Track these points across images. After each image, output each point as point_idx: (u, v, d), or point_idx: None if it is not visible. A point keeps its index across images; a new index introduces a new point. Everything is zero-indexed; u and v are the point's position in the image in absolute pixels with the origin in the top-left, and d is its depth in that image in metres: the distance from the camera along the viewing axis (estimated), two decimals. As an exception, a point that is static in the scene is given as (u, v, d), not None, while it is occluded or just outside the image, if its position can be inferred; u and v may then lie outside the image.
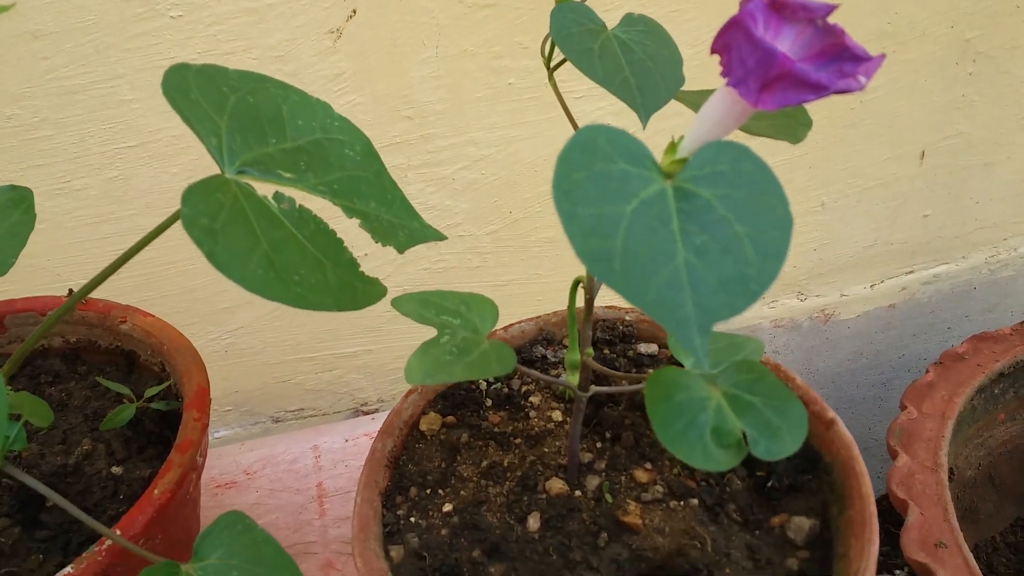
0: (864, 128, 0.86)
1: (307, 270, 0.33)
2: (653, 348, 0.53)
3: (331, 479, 0.67)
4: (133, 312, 0.55)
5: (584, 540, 0.43)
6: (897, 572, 1.01)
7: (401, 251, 0.39)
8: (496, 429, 0.49)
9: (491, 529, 0.44)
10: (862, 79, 0.31)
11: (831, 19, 0.31)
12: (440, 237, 0.42)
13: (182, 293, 0.76)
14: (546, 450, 0.48)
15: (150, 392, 0.51)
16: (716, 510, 0.43)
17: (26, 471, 0.46)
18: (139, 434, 0.51)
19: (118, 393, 0.53)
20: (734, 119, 0.33)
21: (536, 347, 0.55)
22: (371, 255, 0.78)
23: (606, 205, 0.27)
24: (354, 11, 0.66)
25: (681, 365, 0.42)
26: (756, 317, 0.96)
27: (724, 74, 0.32)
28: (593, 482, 0.46)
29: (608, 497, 0.45)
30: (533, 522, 0.44)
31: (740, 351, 0.42)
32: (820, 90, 0.30)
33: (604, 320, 0.55)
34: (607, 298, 0.57)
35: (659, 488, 0.45)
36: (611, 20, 0.41)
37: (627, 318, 0.54)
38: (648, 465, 0.46)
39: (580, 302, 0.44)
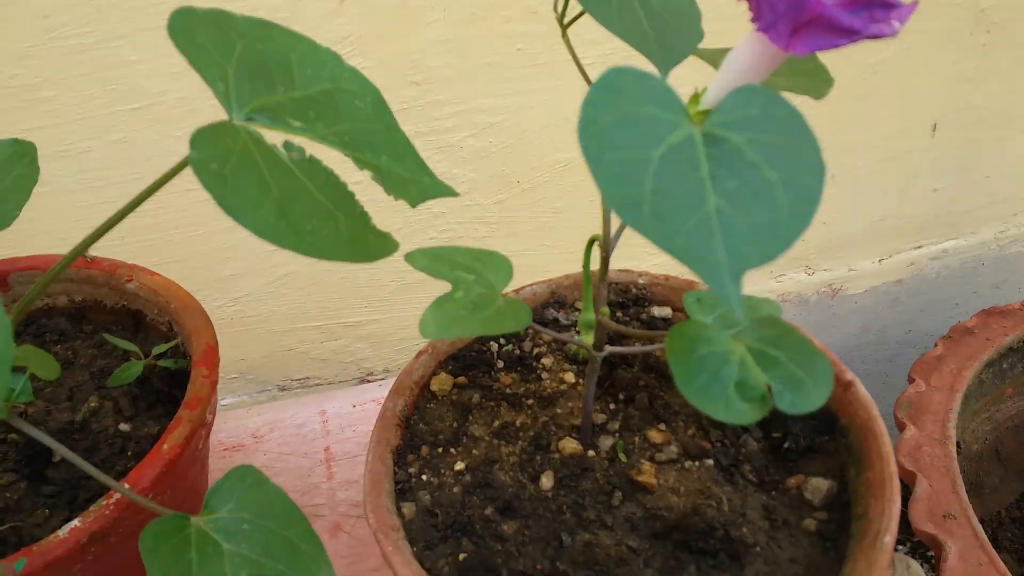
0: (876, 99, 0.85)
1: (319, 220, 0.32)
2: (667, 311, 0.53)
3: (339, 443, 0.66)
4: (139, 271, 0.55)
5: (598, 499, 0.42)
6: (899, 547, 1.01)
7: (413, 205, 0.39)
8: (508, 390, 0.49)
9: (503, 487, 0.43)
10: (895, 24, 0.30)
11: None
12: (453, 193, 0.42)
13: (187, 259, 0.76)
14: (559, 411, 0.47)
15: (158, 350, 0.50)
16: (731, 471, 0.43)
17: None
18: (147, 392, 0.50)
19: (125, 352, 0.52)
20: (764, 66, 0.32)
21: (548, 310, 0.54)
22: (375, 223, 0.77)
23: (634, 150, 0.27)
24: (363, -29, 0.65)
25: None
26: (763, 291, 0.95)
27: (754, 19, 0.31)
28: (607, 442, 0.45)
29: (622, 456, 0.44)
30: (546, 481, 0.43)
31: (758, 312, 0.41)
32: (852, 35, 0.30)
33: (617, 283, 0.54)
34: (620, 261, 0.57)
35: (673, 449, 0.44)
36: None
37: (640, 281, 0.54)
38: (662, 426, 0.46)
39: (594, 265, 0.43)
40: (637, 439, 0.45)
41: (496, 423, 0.47)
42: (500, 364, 0.51)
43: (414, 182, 0.39)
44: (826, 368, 0.34)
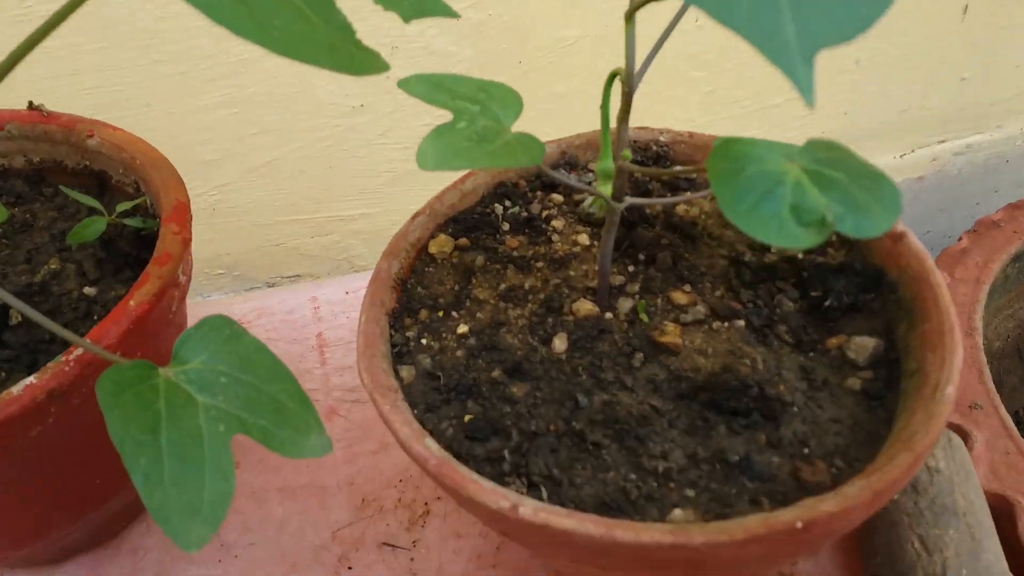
0: (908, -26, 0.78)
1: (288, 18, 0.27)
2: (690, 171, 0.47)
3: (331, 330, 0.62)
4: (101, 126, 0.49)
5: (617, 361, 0.38)
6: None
7: (407, 20, 0.34)
8: (515, 253, 0.44)
9: (512, 350, 0.39)
10: None
11: None
12: (452, 14, 0.37)
13: (161, 141, 0.69)
14: (572, 273, 0.43)
15: (123, 207, 0.45)
16: (765, 332, 0.39)
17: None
18: (113, 255, 0.45)
19: (90, 211, 0.47)
20: None
21: (558, 171, 0.49)
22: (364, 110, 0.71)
23: None
24: None
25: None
26: (777, 187, 0.90)
27: None
28: (626, 304, 0.41)
29: (643, 317, 0.40)
30: (559, 343, 0.39)
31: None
32: None
33: (636, 141, 0.49)
34: (638, 117, 0.51)
35: (700, 309, 0.40)
36: None
37: (662, 139, 0.48)
38: (687, 287, 0.41)
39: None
40: (660, 300, 0.41)
41: (502, 286, 0.43)
42: (506, 227, 0.46)
43: (407, -6, 0.34)
44: (892, 191, 0.29)
